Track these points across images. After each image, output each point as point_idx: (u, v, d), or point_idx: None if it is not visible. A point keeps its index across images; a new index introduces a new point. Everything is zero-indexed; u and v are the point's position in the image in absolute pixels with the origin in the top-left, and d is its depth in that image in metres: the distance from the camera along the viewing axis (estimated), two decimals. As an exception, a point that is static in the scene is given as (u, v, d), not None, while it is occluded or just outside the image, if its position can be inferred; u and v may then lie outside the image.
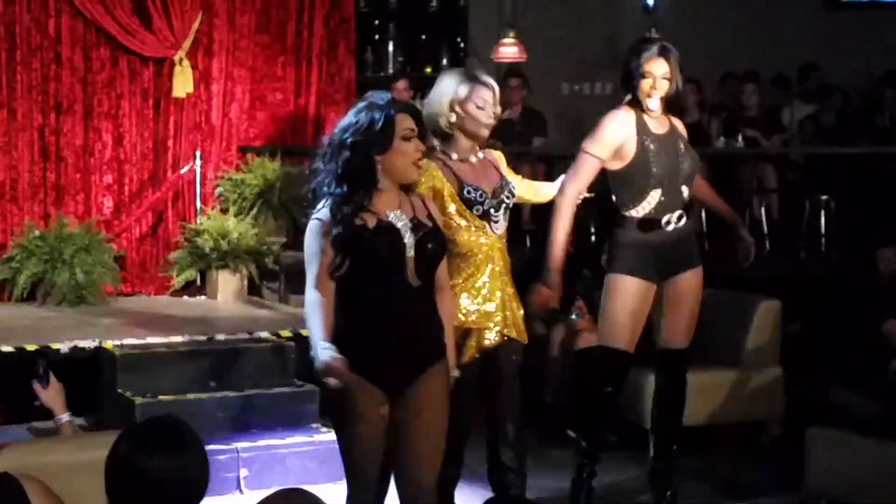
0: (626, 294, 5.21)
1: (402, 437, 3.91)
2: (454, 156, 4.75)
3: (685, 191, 5.20)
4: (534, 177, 10.12)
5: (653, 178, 5.09)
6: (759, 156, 10.05)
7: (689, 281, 5.31)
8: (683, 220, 5.22)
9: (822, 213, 9.49)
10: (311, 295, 3.80)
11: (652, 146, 5.09)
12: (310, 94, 9.48)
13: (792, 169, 10.20)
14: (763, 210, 9.83)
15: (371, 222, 3.85)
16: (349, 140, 3.84)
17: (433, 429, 3.94)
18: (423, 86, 11.52)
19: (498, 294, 4.77)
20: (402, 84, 10.33)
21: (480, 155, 4.82)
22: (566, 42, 11.25)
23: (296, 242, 8.88)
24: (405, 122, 3.88)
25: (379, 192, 3.89)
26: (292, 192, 8.56)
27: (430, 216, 3.99)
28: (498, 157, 4.94)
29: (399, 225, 3.88)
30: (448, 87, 4.73)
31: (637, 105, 5.11)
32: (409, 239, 3.87)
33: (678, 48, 11.74)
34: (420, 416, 3.90)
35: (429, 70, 11.81)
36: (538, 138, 10.29)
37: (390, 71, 11.57)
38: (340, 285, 3.83)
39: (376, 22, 11.73)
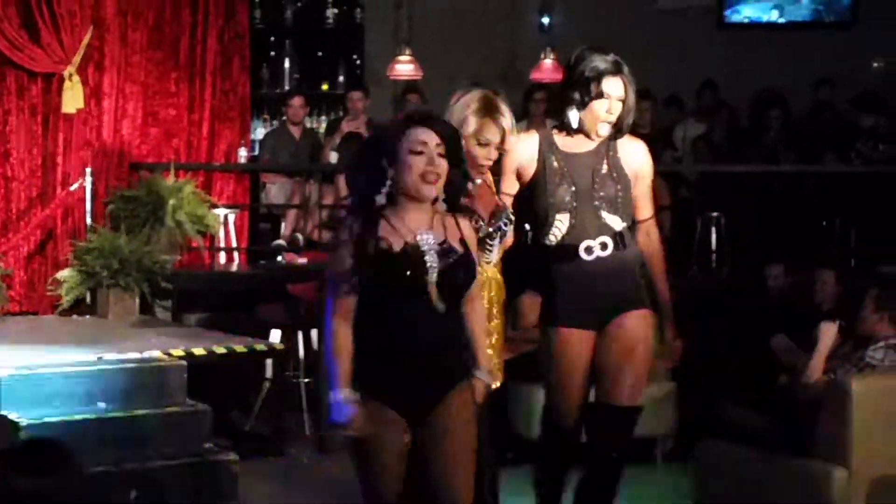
0: (559, 349, 4.66)
1: (432, 460, 3.77)
2: None
3: (608, 217, 4.54)
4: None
5: (552, 198, 4.57)
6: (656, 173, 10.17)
7: (633, 324, 4.60)
8: (611, 249, 4.54)
9: (714, 230, 9.65)
10: (334, 325, 3.71)
11: (556, 164, 4.58)
12: (204, 110, 9.41)
13: (684, 186, 10.37)
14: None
15: (397, 244, 3.69)
16: (368, 150, 3.85)
17: (463, 447, 3.78)
18: (319, 102, 11.58)
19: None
20: (297, 101, 10.32)
21: (478, 180, 4.42)
22: (463, 60, 11.30)
23: (189, 261, 8.81)
24: (418, 136, 3.70)
25: (407, 209, 3.72)
26: (186, 209, 8.47)
27: (462, 240, 3.78)
28: (492, 181, 4.60)
29: (425, 248, 3.69)
30: (459, 113, 4.45)
31: (558, 126, 4.65)
32: (433, 264, 3.68)
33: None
34: (448, 436, 3.75)
35: (325, 87, 11.82)
36: (436, 156, 10.32)
37: (286, 88, 11.55)
38: (362, 305, 3.71)
39: (272, 38, 11.71)
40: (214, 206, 9.02)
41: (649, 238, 4.67)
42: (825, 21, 11.69)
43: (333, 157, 10.10)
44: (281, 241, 9.61)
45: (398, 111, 10.46)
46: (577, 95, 4.54)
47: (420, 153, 3.67)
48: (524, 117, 10.42)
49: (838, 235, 9.63)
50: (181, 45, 9.29)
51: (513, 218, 4.45)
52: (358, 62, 11.82)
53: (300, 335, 8.01)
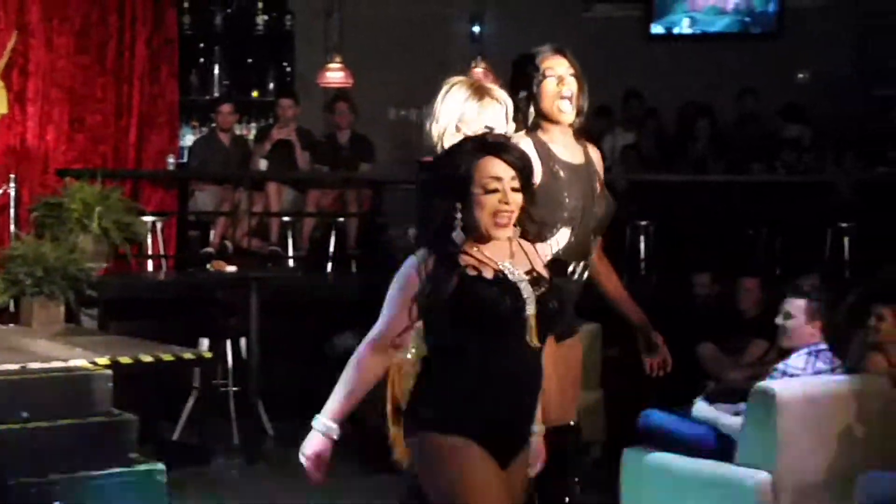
0: None
1: None
2: None
3: (593, 240, 4.27)
4: (360, 202, 10.25)
5: (565, 210, 4.12)
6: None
7: (569, 347, 4.23)
8: (585, 276, 4.25)
9: (642, 238, 9.74)
10: (366, 352, 3.41)
11: (563, 174, 4.14)
12: (131, 116, 9.34)
13: (614, 195, 10.43)
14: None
15: (487, 272, 3.32)
16: (436, 181, 3.40)
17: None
18: (249, 109, 11.52)
19: None
20: (226, 108, 10.25)
21: None
22: (393, 68, 11.32)
23: (116, 269, 8.72)
24: (489, 170, 3.31)
25: (485, 241, 3.34)
26: (113, 217, 8.38)
27: (546, 267, 3.47)
28: None
29: (515, 278, 3.34)
30: (454, 105, 4.08)
31: (537, 129, 4.19)
32: (528, 294, 3.33)
33: (504, 75, 11.94)
34: (522, 485, 3.52)
35: (255, 94, 11.77)
36: (365, 164, 10.32)
37: (216, 94, 11.48)
38: (439, 346, 3.35)
39: (201, 44, 11.64)
40: (142, 213, 8.92)
41: (603, 270, 4.40)
42: (751, 32, 11.85)
43: (263, 164, 10.05)
44: (210, 249, 9.54)
45: (330, 118, 10.45)
46: (524, 91, 4.21)
47: (494, 191, 3.30)
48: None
49: (764, 244, 9.75)
50: (108, 51, 9.20)
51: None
52: (288, 69, 11.78)
53: (228, 344, 7.95)
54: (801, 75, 12.01)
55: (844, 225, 9.59)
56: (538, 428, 3.51)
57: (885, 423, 5.65)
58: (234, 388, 7.86)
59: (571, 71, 4.24)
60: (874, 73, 11.46)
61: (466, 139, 3.45)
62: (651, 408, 6.15)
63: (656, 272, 9.54)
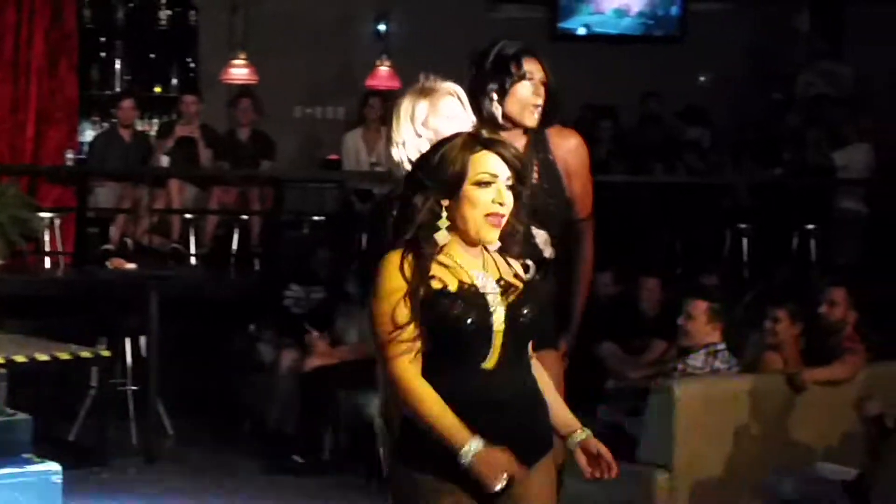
0: None
1: None
2: None
3: (538, 236, 3.96)
4: (262, 200, 10.17)
5: None
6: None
7: (544, 362, 3.45)
8: (530, 273, 3.54)
9: (546, 237, 9.77)
10: (414, 382, 2.96)
11: None
12: (28, 110, 9.17)
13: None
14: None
15: (451, 283, 3.00)
16: (416, 174, 3.07)
17: None
18: (151, 105, 11.37)
19: None
20: (127, 103, 10.10)
21: None
22: (299, 65, 11.25)
23: (12, 266, 8.54)
24: (485, 165, 3.01)
25: (454, 247, 3.03)
26: (8, 212, 8.21)
27: (516, 275, 3.11)
28: None
29: (487, 289, 3.02)
30: (404, 115, 3.80)
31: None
32: (498, 307, 3.01)
33: (410, 76, 11.90)
34: None
35: (158, 89, 11.61)
36: (266, 161, 10.24)
37: (117, 89, 11.30)
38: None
39: (102, 38, 11.44)
40: (39, 209, 8.76)
41: (578, 243, 4.18)
42: (654, 35, 11.98)
43: (165, 161, 9.92)
44: (109, 247, 9.40)
45: (233, 114, 10.35)
46: (493, 84, 3.94)
47: (487, 185, 3.01)
48: (359, 124, 10.42)
49: (665, 244, 9.86)
50: (5, 44, 9.04)
51: None
52: (192, 65, 11.64)
53: (127, 342, 7.84)
54: (702, 78, 12.17)
55: (743, 226, 9.75)
56: (578, 437, 3.13)
57: (781, 421, 5.75)
58: (133, 388, 7.75)
59: (543, 77, 4.02)
60: (771, 77, 11.66)
61: (458, 133, 3.14)
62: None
63: (557, 272, 9.58)
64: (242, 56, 10.47)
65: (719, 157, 10.84)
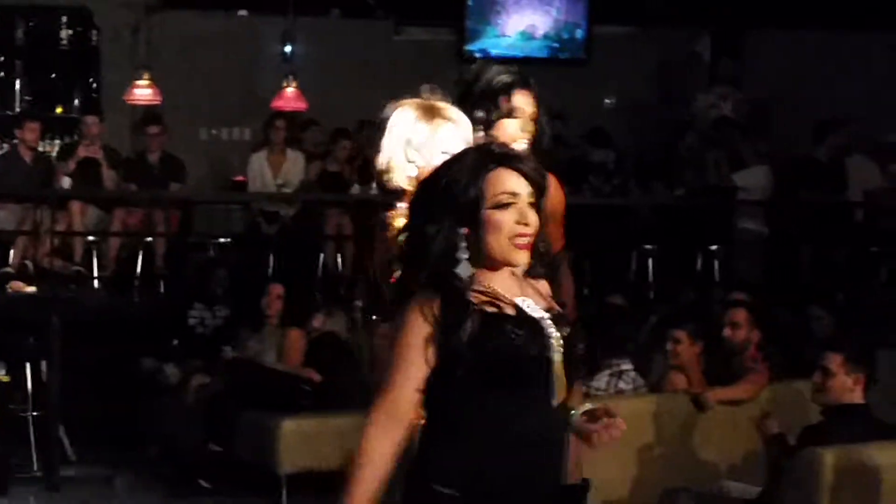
0: None
1: None
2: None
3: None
4: (167, 222, 10.06)
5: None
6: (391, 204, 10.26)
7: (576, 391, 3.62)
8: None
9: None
10: (376, 430, 2.67)
11: None
12: (-75, 131, 8.96)
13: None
14: (398, 257, 10.03)
15: (507, 308, 2.69)
16: (422, 201, 2.75)
17: None
18: (52, 126, 11.18)
19: None
20: (32, 125, 9.92)
21: None
22: (204, 86, 11.17)
23: None
24: (502, 183, 2.70)
25: (486, 274, 2.72)
26: None
27: (557, 302, 2.84)
28: None
29: (536, 314, 2.72)
30: (400, 129, 3.47)
31: None
32: (553, 335, 2.70)
33: (316, 97, 11.96)
34: None
35: (59, 110, 11.44)
36: (176, 184, 10.14)
37: (17, 109, 11.11)
38: (447, 407, 2.67)
39: (2, 58, 11.25)
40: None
41: (556, 274, 3.94)
42: (560, 58, 12.09)
43: (67, 182, 9.79)
44: (9, 269, 9.23)
45: (142, 138, 10.23)
46: (480, 114, 3.72)
47: (507, 206, 2.69)
48: (265, 145, 10.38)
49: (571, 266, 9.91)
50: None
51: None
52: (94, 85, 11.48)
53: (28, 367, 7.69)
54: (607, 101, 12.31)
55: (648, 247, 9.87)
56: (577, 411, 2.79)
57: (685, 440, 5.82)
58: (34, 413, 7.59)
59: (533, 111, 3.80)
60: (673, 100, 11.84)
61: (467, 149, 2.86)
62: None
63: None
64: (146, 76, 10.35)
65: (624, 179, 10.97)
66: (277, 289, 7.66)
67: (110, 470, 7.59)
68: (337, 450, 6.98)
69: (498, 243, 2.69)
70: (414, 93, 3.46)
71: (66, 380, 7.41)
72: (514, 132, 3.74)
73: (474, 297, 2.66)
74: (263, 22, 11.57)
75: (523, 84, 3.78)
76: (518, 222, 2.68)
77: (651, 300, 9.43)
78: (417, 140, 3.41)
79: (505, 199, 2.68)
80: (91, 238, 9.71)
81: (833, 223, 10.34)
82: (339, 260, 10.07)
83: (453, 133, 3.41)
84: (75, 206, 9.75)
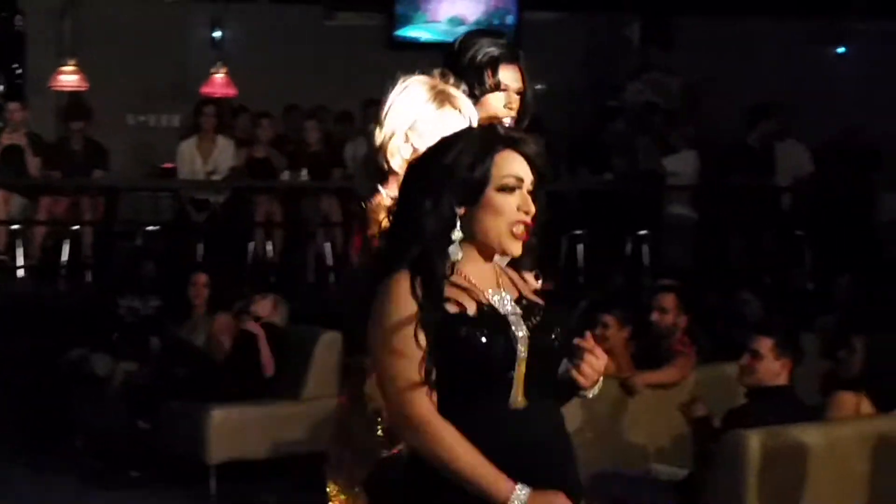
0: None
1: None
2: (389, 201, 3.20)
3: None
4: (94, 209, 9.91)
5: None
6: (323, 190, 10.23)
7: None
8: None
9: (384, 246, 9.76)
10: (425, 408, 2.50)
11: None
12: None
13: (357, 203, 10.43)
14: (328, 244, 9.99)
15: (470, 306, 2.56)
16: (421, 175, 2.62)
17: None
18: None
19: None
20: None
21: None
22: (131, 72, 11.02)
23: None
24: (510, 166, 2.60)
25: (471, 261, 2.61)
26: None
27: (536, 292, 2.74)
28: None
29: (507, 310, 2.59)
30: (408, 107, 3.26)
31: None
32: (521, 332, 2.58)
33: (244, 82, 11.84)
34: None
35: (-16, 96, 11.24)
36: (99, 171, 10.00)
37: (-60, 95, 10.90)
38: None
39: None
40: None
41: None
42: (491, 43, 12.06)
43: (-9, 169, 9.65)
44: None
45: (67, 126, 10.06)
46: (464, 88, 3.49)
47: (512, 190, 2.59)
48: (194, 132, 10.26)
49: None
50: None
51: None
52: (19, 71, 11.30)
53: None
54: (537, 86, 12.26)
55: (578, 232, 9.90)
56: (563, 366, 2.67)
57: (613, 424, 5.85)
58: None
59: (521, 87, 3.64)
60: (603, 85, 11.88)
61: (472, 127, 2.71)
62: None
63: None
64: (72, 62, 10.21)
65: (554, 164, 10.97)
66: (202, 278, 7.61)
67: (34, 462, 7.46)
68: (266, 438, 6.96)
69: (496, 228, 2.59)
70: (425, 72, 3.28)
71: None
72: (498, 107, 3.57)
73: (448, 286, 2.55)
74: (192, 7, 11.44)
75: (510, 58, 3.62)
76: (520, 208, 2.59)
77: (581, 285, 9.46)
78: (423, 123, 3.21)
79: (511, 182, 2.58)
80: (15, 227, 9.55)
81: (761, 208, 10.45)
82: (270, 247, 10.00)
83: (458, 123, 3.19)
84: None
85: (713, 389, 5.90)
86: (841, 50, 12.47)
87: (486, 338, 2.52)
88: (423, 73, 3.28)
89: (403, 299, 2.51)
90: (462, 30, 11.75)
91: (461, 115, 3.22)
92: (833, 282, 9.34)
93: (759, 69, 11.71)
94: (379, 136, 3.25)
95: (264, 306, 7.33)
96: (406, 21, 11.93)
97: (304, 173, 10.10)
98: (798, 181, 10.49)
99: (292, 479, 7.02)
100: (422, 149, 3.03)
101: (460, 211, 2.56)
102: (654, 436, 5.89)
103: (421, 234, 2.54)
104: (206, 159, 10.05)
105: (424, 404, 2.50)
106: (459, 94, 3.27)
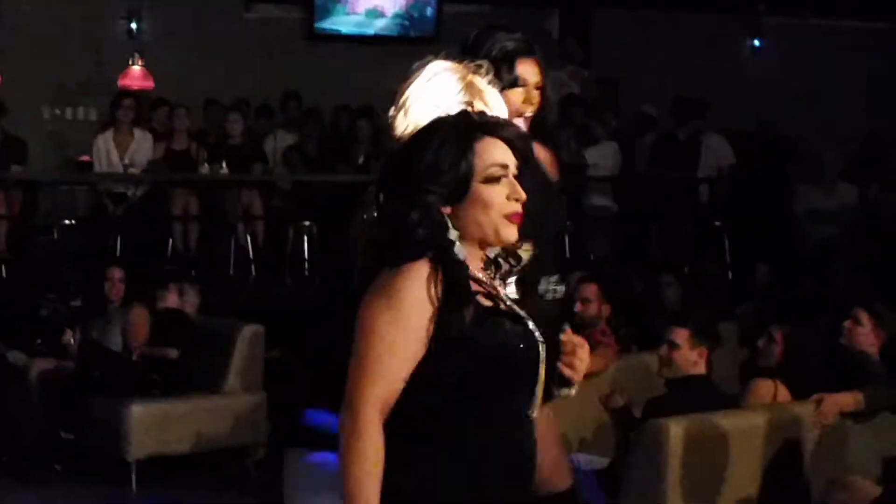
0: None
1: None
2: None
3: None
4: (10, 204, 9.75)
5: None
6: (244, 183, 10.16)
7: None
8: (562, 289, 3.58)
9: (306, 238, 9.74)
10: (371, 429, 2.33)
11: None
12: None
13: (278, 196, 10.40)
14: (249, 237, 9.94)
15: (500, 301, 2.43)
16: (405, 184, 2.42)
17: None
18: None
19: None
20: None
21: None
22: (46, 65, 10.85)
23: None
24: (492, 154, 2.44)
25: (470, 258, 2.44)
26: None
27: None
28: None
29: (519, 310, 2.46)
30: (438, 95, 3.06)
31: None
32: (537, 332, 2.44)
33: (162, 75, 11.72)
34: None
35: None
36: (17, 166, 9.84)
37: None
38: (422, 410, 2.37)
39: None
40: None
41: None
42: (411, 35, 12.07)
43: None
44: None
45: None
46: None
47: (498, 179, 2.44)
48: (111, 125, 10.12)
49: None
50: None
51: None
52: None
53: None
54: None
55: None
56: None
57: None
58: None
59: (540, 81, 3.54)
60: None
61: (444, 119, 2.51)
62: (316, 408, 6.14)
63: (320, 273, 9.56)
64: (-16, 55, 10.04)
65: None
66: (117, 272, 7.54)
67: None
68: (187, 433, 6.91)
69: (490, 221, 2.42)
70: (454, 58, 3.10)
71: None
72: (517, 102, 3.48)
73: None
74: (108, -2, 11.30)
75: (528, 52, 3.54)
76: (510, 197, 2.43)
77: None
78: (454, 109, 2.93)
79: (497, 171, 2.42)
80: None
81: (680, 199, 10.57)
82: (191, 241, 9.91)
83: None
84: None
85: (635, 378, 5.96)
86: (756, 43, 12.67)
87: (522, 335, 2.38)
88: (450, 59, 3.10)
89: (414, 296, 2.31)
90: (381, 22, 11.93)
91: (489, 109, 3.00)
92: (751, 271, 9.49)
93: (676, 61, 11.85)
94: (402, 123, 3.04)
95: (172, 299, 7.32)
96: (326, 13, 11.87)
97: (223, 166, 10.01)
98: (721, 172, 10.62)
99: (209, 475, 7.00)
100: None
101: (447, 210, 2.40)
102: (576, 425, 5.92)
103: (415, 239, 2.36)
104: (123, 152, 9.94)
105: (374, 413, 2.32)
106: (488, 88, 3.09)
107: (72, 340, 7.42)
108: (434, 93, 3.02)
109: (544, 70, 3.54)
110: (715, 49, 12.16)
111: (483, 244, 2.46)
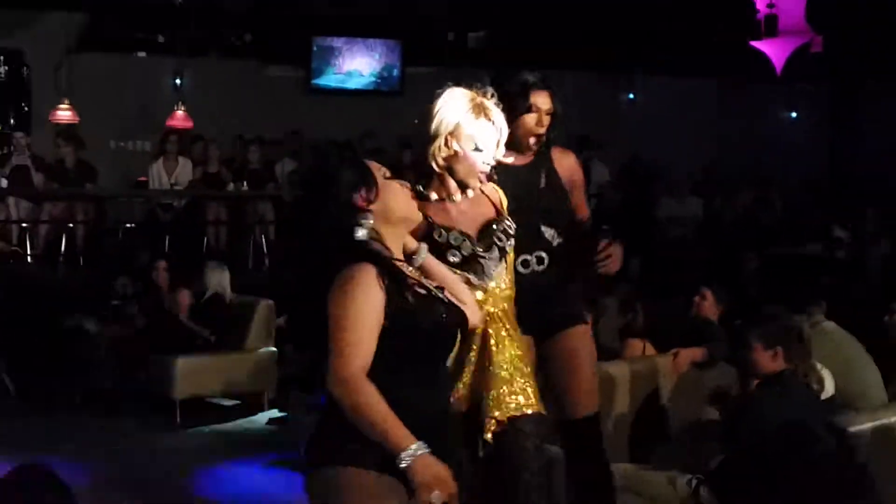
0: None
1: None
2: (433, 196, 3.02)
3: (547, 232, 3.33)
4: (86, 213, 9.64)
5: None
6: (260, 197, 10.15)
7: (578, 336, 3.40)
8: (547, 264, 3.31)
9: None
10: (360, 382, 2.18)
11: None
12: None
13: (285, 208, 10.36)
14: (263, 237, 9.92)
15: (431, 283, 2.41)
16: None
17: None
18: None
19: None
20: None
21: (471, 192, 3.04)
22: (113, 110, 10.80)
23: None
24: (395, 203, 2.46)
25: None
26: None
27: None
28: (493, 188, 3.12)
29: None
30: (451, 113, 2.96)
31: None
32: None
33: (201, 117, 11.64)
34: None
35: (-1, 128, 10.88)
36: (90, 184, 9.79)
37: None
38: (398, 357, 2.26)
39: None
40: None
41: (585, 235, 3.58)
42: (382, 90, 12.05)
43: (4, 183, 9.39)
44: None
45: (59, 149, 9.77)
46: (506, 106, 3.16)
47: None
48: (161, 154, 10.08)
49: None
50: None
51: (512, 231, 3.03)
52: (26, 109, 10.96)
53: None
54: (416, 121, 12.28)
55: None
56: None
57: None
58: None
59: (551, 108, 3.37)
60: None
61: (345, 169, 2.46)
62: (315, 358, 6.11)
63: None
64: (66, 102, 10.00)
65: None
66: (162, 263, 7.46)
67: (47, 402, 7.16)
68: (217, 379, 6.88)
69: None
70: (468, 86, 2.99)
71: (7, 333, 7.04)
72: (530, 125, 3.34)
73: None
74: (159, 61, 11.24)
75: (541, 85, 3.37)
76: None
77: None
78: (461, 129, 2.95)
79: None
80: (24, 225, 9.32)
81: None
82: (221, 240, 9.89)
83: (491, 133, 2.96)
84: (11, 200, 9.33)
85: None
86: (630, 96, 12.82)
87: (448, 311, 2.31)
88: (465, 86, 3.01)
89: (373, 287, 2.23)
90: (360, 80, 11.88)
91: (493, 125, 2.96)
92: (627, 262, 9.54)
93: (565, 111, 11.90)
94: (433, 125, 2.97)
95: (213, 276, 7.17)
96: (320, 73, 11.86)
97: (245, 185, 10.01)
98: (602, 187, 10.77)
99: (238, 410, 6.96)
100: (460, 152, 2.92)
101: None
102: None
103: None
104: (171, 175, 9.92)
105: (358, 364, 2.18)
106: (494, 108, 2.98)
107: (134, 312, 7.35)
108: (448, 109, 2.97)
109: (556, 99, 3.39)
110: (602, 100, 12.29)
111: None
